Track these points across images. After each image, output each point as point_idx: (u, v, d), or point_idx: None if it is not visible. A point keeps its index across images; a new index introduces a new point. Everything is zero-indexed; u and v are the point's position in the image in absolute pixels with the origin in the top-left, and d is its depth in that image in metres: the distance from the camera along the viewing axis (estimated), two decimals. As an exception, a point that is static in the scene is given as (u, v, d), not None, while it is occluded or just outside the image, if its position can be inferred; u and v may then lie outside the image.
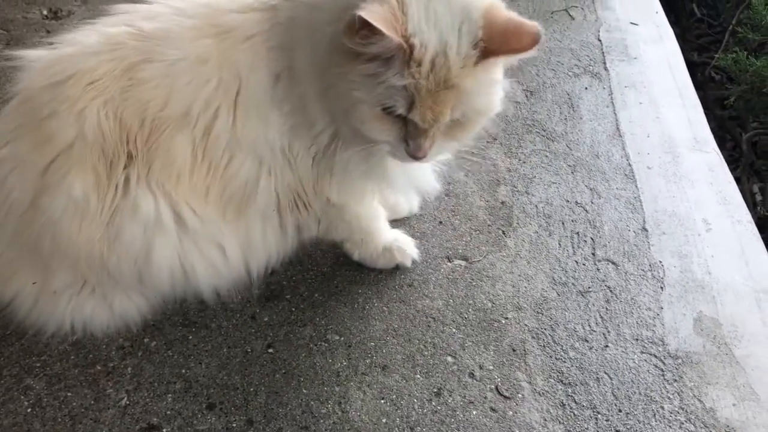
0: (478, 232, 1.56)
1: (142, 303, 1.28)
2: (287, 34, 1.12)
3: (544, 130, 1.87)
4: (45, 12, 2.23)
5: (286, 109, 1.15)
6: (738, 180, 2.11)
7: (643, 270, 1.50)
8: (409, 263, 1.46)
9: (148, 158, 1.12)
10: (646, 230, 1.59)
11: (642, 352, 1.34)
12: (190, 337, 1.31)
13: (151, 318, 1.31)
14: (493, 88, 1.07)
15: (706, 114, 2.00)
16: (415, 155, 1.08)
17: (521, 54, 1.02)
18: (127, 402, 1.21)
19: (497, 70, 1.08)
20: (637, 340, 1.36)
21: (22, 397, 1.19)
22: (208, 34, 1.13)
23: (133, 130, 1.10)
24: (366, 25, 0.92)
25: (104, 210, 1.11)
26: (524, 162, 1.76)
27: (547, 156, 1.79)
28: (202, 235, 1.17)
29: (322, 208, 1.28)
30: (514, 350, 1.33)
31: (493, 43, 1.00)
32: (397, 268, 1.46)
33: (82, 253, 1.13)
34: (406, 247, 1.46)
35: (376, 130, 1.07)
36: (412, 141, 1.06)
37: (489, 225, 1.58)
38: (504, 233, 1.57)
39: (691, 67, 2.35)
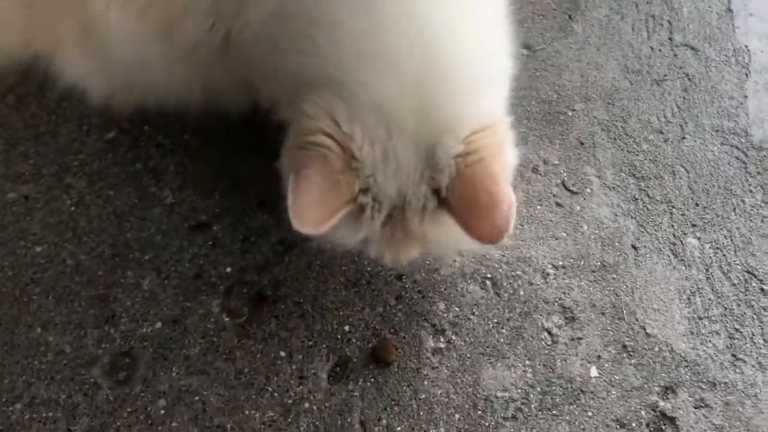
0: (541, 16, 1.39)
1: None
2: None
3: None
4: None
5: None
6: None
7: (726, 55, 1.35)
8: None
9: None
10: (730, 11, 1.41)
11: (722, 144, 1.23)
12: (232, 136, 1.22)
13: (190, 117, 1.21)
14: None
15: None
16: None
17: (472, 237, 0.75)
18: (173, 200, 1.14)
19: None
20: (717, 131, 1.25)
21: (64, 195, 1.14)
22: None
23: None
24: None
25: None
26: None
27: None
28: None
29: None
30: (582, 144, 1.23)
31: (454, 200, 0.75)
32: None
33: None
34: None
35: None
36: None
37: (554, 9, 1.40)
38: (571, 17, 1.39)
39: None
